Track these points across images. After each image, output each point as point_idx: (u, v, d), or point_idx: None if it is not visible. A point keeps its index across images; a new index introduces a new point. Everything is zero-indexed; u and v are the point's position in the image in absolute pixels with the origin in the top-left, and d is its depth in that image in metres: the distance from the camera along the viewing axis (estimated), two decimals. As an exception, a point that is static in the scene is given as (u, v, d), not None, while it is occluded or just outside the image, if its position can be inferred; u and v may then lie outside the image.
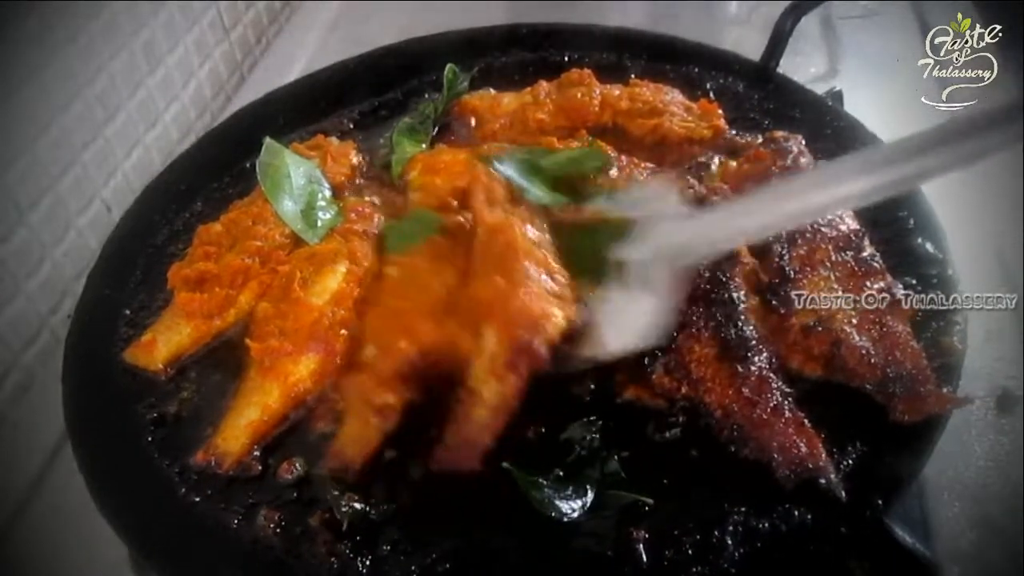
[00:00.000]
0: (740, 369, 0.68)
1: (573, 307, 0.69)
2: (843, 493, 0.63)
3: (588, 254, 0.74)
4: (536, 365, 0.66)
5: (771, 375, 0.69)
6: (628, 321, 0.70)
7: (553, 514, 0.64)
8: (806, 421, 0.66)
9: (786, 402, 0.67)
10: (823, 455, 0.64)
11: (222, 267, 0.78)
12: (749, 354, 0.69)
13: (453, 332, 0.70)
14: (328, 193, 0.88)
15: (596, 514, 0.64)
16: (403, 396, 0.70)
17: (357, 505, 0.66)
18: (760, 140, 0.90)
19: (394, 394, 0.69)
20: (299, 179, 0.86)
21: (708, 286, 0.73)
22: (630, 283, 0.70)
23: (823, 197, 0.65)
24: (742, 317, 0.71)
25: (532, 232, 0.74)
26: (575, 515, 0.64)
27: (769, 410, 0.66)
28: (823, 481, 0.63)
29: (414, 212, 0.82)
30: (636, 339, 0.69)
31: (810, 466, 0.64)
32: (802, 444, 0.65)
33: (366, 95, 1.07)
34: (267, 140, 0.89)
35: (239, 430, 0.70)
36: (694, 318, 0.72)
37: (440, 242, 0.77)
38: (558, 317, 0.68)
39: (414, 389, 0.70)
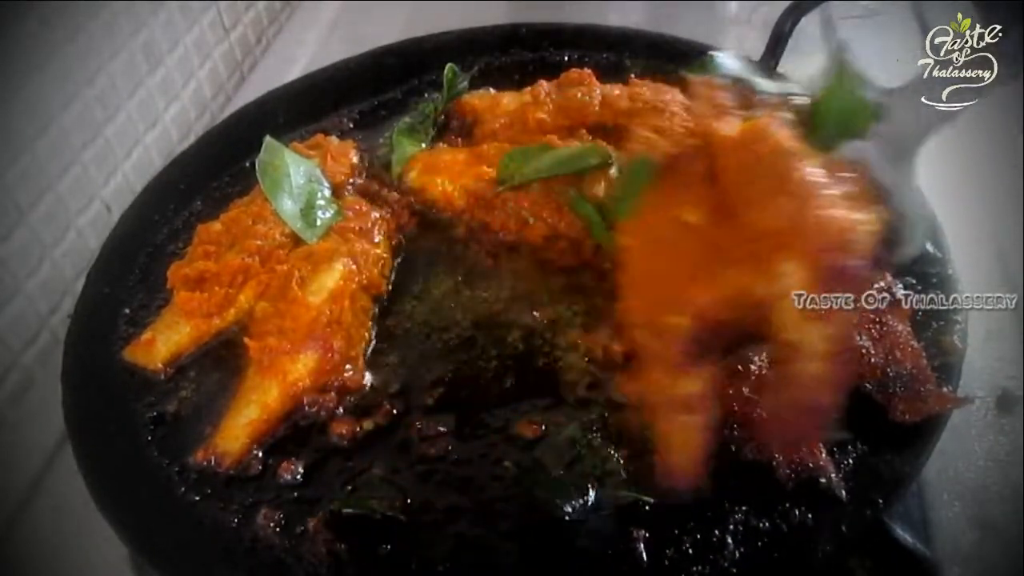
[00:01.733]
0: (740, 368, 0.68)
1: (874, 206, 0.56)
2: (844, 492, 0.63)
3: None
4: (859, 286, 0.55)
5: (771, 374, 0.68)
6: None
7: (554, 513, 0.64)
8: None
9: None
10: (823, 454, 0.64)
11: (222, 266, 0.78)
12: (749, 352, 0.69)
13: (735, 281, 0.57)
14: (328, 192, 0.88)
15: (597, 513, 0.64)
16: (704, 375, 0.59)
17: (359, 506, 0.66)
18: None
19: (691, 377, 0.58)
20: (299, 178, 0.86)
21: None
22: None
23: None
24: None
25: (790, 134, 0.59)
26: (576, 514, 0.64)
27: (769, 408, 0.66)
28: (823, 480, 0.63)
29: (622, 166, 0.73)
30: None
31: (810, 465, 0.64)
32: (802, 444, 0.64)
33: (366, 95, 1.07)
34: (267, 139, 0.89)
35: (239, 429, 0.70)
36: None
37: (668, 185, 0.62)
38: (867, 222, 0.55)
39: (711, 361, 0.60)
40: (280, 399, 0.71)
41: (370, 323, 0.79)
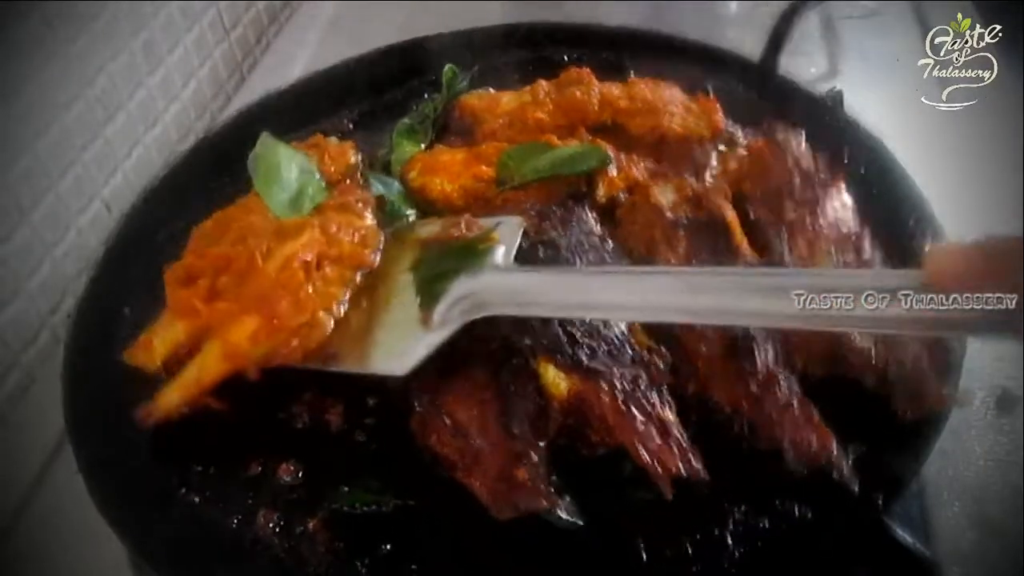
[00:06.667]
0: (747, 365, 0.68)
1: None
2: (856, 486, 0.63)
3: (430, 272, 0.74)
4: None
5: (778, 370, 0.68)
6: (404, 347, 0.69)
7: (552, 512, 0.64)
8: (816, 415, 0.66)
9: (795, 397, 0.67)
10: (835, 448, 0.64)
11: (205, 258, 0.78)
12: (756, 350, 0.69)
13: None
14: (320, 182, 0.87)
15: (596, 513, 0.64)
16: None
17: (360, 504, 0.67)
18: (760, 140, 0.90)
19: None
20: (291, 171, 0.85)
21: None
22: (432, 316, 0.70)
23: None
24: (748, 313, 0.71)
25: None
26: (575, 515, 0.64)
27: (778, 406, 0.66)
28: (836, 474, 0.63)
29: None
30: (390, 367, 0.69)
31: (822, 460, 0.64)
32: (813, 438, 0.64)
33: (366, 95, 1.07)
34: (263, 134, 0.88)
35: (175, 389, 0.71)
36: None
37: None
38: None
39: None
40: (217, 360, 0.71)
41: (342, 292, 0.76)
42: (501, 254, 0.73)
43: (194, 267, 0.78)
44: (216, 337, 0.71)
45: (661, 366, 0.69)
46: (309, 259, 0.75)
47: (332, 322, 0.74)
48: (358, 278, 0.78)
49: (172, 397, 0.71)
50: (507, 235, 0.76)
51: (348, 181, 0.87)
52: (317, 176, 0.87)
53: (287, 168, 0.85)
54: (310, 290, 0.73)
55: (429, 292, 0.72)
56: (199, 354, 0.72)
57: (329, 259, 0.76)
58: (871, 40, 1.31)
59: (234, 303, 0.72)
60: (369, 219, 0.82)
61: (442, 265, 0.74)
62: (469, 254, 0.74)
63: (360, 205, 0.83)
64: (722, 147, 0.91)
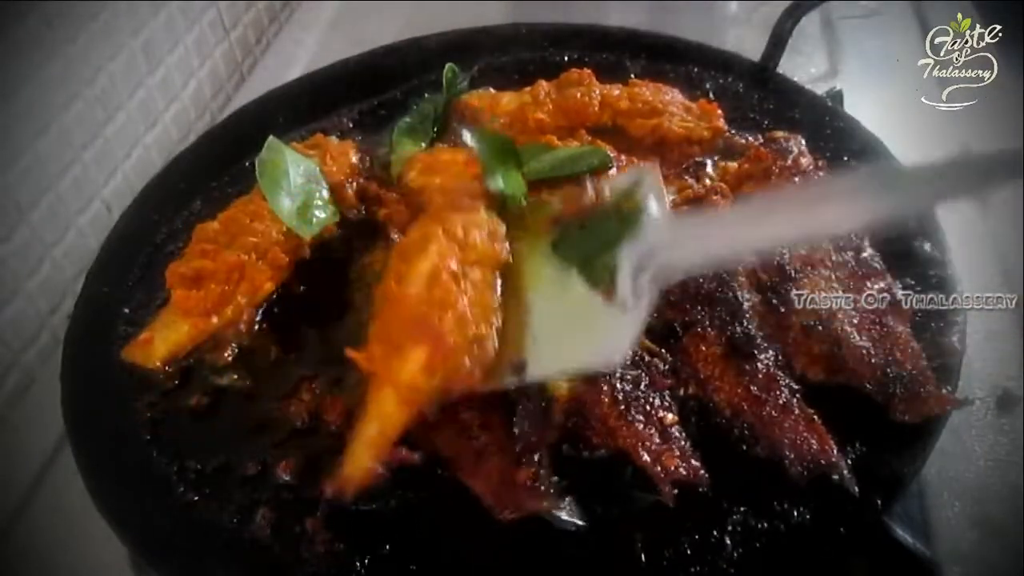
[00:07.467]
0: (747, 367, 0.68)
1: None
2: (856, 488, 0.63)
3: (587, 249, 0.70)
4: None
5: (778, 372, 0.68)
6: (608, 334, 0.66)
7: (554, 514, 0.64)
8: (815, 417, 0.66)
9: (795, 399, 0.67)
10: (835, 450, 0.64)
11: (218, 264, 0.78)
12: (756, 352, 0.69)
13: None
14: (326, 194, 0.87)
15: (596, 514, 0.64)
16: None
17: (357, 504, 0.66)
18: (760, 140, 0.90)
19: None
20: (297, 177, 0.86)
21: (712, 284, 0.73)
22: (617, 292, 0.66)
23: (833, 213, 0.61)
24: (747, 315, 0.71)
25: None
26: (575, 515, 0.64)
27: (778, 408, 0.66)
28: (836, 477, 0.63)
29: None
30: (607, 358, 0.65)
31: (822, 462, 0.63)
32: (813, 441, 0.64)
33: (366, 95, 1.06)
34: (270, 138, 0.88)
35: (362, 451, 0.64)
36: (699, 317, 0.72)
37: None
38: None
39: None
40: (396, 409, 0.64)
41: (494, 297, 0.70)
42: (656, 209, 0.69)
43: (203, 269, 0.78)
44: (385, 385, 0.65)
45: (662, 368, 0.69)
46: (455, 268, 0.68)
47: (495, 332, 0.68)
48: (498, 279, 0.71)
49: (362, 461, 0.64)
50: (650, 186, 0.72)
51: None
52: (323, 185, 0.87)
53: (294, 175, 0.85)
54: (466, 301, 0.67)
55: (596, 269, 0.68)
56: (372, 407, 0.65)
57: (468, 264, 0.70)
58: (871, 40, 1.31)
59: (387, 341, 0.65)
60: (485, 213, 0.76)
61: (596, 237, 0.69)
62: (621, 218, 0.69)
63: (469, 200, 0.77)
64: (722, 148, 0.91)
